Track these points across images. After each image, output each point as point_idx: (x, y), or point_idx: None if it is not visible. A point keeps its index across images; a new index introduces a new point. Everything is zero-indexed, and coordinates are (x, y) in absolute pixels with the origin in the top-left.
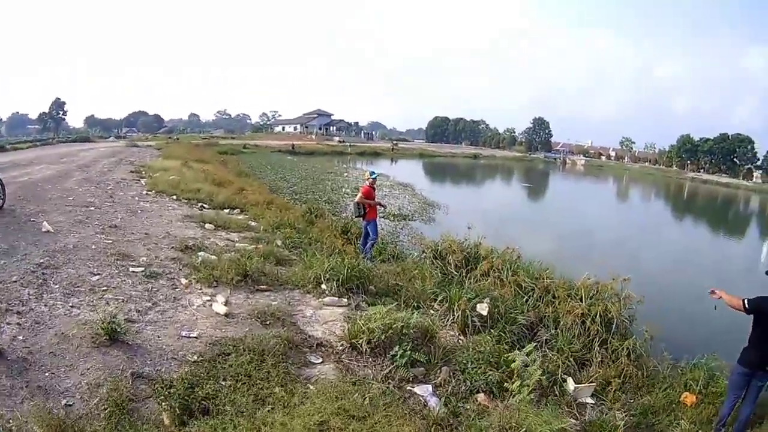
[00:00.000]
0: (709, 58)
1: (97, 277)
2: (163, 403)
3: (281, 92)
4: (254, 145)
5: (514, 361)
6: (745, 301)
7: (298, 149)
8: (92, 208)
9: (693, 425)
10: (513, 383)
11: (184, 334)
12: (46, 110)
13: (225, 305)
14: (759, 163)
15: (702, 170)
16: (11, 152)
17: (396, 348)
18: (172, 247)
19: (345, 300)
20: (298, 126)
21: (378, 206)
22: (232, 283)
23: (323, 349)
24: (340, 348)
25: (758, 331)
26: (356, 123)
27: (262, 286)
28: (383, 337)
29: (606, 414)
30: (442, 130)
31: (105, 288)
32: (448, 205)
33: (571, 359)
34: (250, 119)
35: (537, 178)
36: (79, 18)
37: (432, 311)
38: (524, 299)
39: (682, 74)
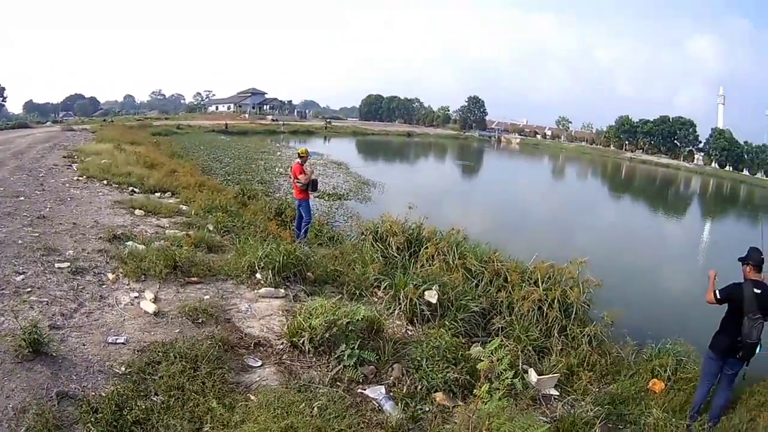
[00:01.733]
0: (651, 44)
1: (22, 276)
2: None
3: (216, 71)
4: (188, 126)
5: (478, 360)
6: (716, 292)
7: (231, 129)
8: (21, 198)
9: (665, 414)
10: (481, 388)
11: (110, 340)
12: None
13: (154, 302)
14: (701, 146)
15: (640, 150)
16: None
17: (342, 346)
18: (100, 238)
19: (282, 291)
20: (232, 105)
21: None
22: (161, 276)
23: (262, 349)
24: (280, 347)
25: (729, 318)
26: (290, 102)
27: (192, 278)
28: (327, 334)
29: (575, 407)
30: (375, 108)
31: (29, 289)
32: (384, 184)
33: (530, 348)
34: (184, 99)
35: (472, 155)
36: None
37: (375, 299)
38: (474, 284)
39: (623, 58)
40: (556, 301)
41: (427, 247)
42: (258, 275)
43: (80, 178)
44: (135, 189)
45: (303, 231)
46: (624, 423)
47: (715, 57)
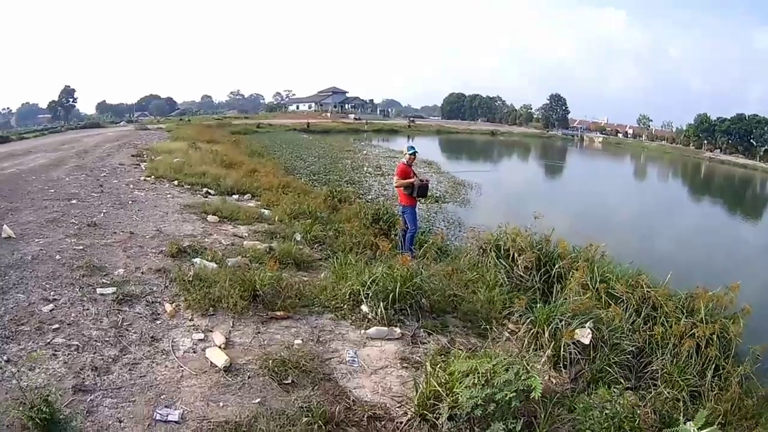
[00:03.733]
0: (720, 37)
1: (51, 305)
2: None
3: (295, 71)
4: (268, 125)
5: None
6: None
7: (313, 127)
8: (74, 201)
9: None
10: None
11: (159, 416)
12: (56, 98)
13: (224, 348)
14: None
15: (719, 150)
16: (16, 142)
17: (498, 425)
18: (161, 252)
19: (397, 330)
20: (313, 104)
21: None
22: (236, 309)
23: (379, 424)
24: (405, 420)
25: None
26: (371, 100)
27: (278, 312)
28: (479, 412)
29: None
30: (457, 106)
31: (57, 325)
32: (480, 185)
33: (685, 394)
34: (263, 99)
35: (557, 154)
36: (87, 4)
37: (507, 334)
38: (626, 316)
39: (694, 53)
40: (716, 336)
41: (564, 268)
42: (364, 307)
43: (148, 179)
44: (210, 191)
45: (408, 242)
46: None
47: None
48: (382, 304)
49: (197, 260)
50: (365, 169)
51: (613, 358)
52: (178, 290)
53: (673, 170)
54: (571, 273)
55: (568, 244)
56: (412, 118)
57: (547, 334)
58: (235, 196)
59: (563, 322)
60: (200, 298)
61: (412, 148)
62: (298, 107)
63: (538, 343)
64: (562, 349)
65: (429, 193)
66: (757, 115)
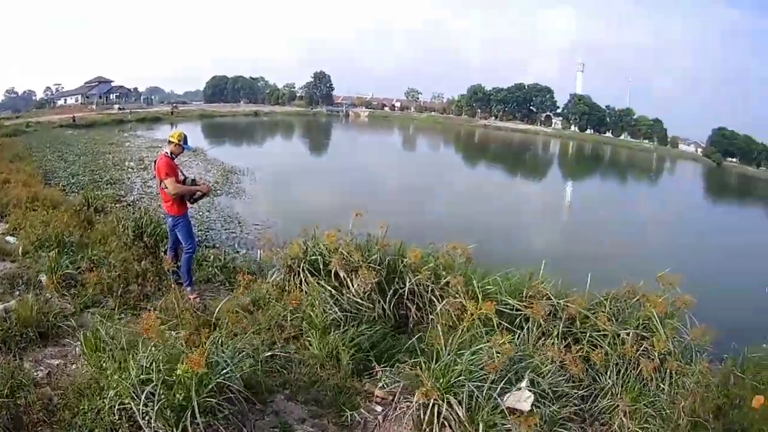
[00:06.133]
0: (503, 15)
1: None
2: None
3: (64, 61)
4: (37, 123)
5: None
6: None
7: (79, 122)
8: None
9: None
10: None
11: None
12: None
13: None
14: (559, 111)
15: (494, 118)
16: None
17: None
18: None
19: None
20: (79, 97)
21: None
22: None
23: None
24: None
25: None
26: (135, 89)
27: None
28: None
29: None
30: (220, 89)
31: None
32: (252, 170)
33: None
34: (35, 95)
35: (322, 132)
36: None
37: (377, 409)
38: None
39: (475, 30)
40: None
41: (422, 285)
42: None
43: None
44: None
45: (186, 269)
46: None
47: (575, 27)
48: (170, 414)
49: None
50: (127, 163)
51: (558, 412)
52: None
53: (445, 139)
54: (432, 290)
55: (420, 252)
56: (175, 105)
57: (460, 410)
58: None
59: (481, 386)
60: None
61: (185, 138)
62: (65, 101)
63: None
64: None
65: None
66: (537, 84)
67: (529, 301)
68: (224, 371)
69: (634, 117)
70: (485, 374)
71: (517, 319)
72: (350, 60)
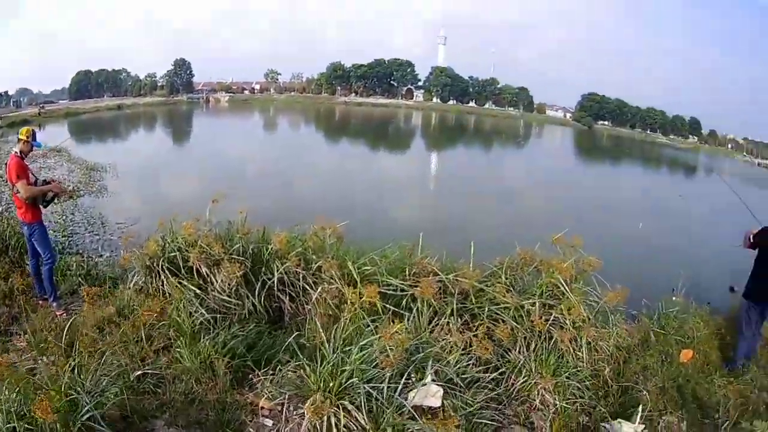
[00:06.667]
0: None
1: None
2: None
3: None
4: None
5: None
6: (751, 237)
7: None
8: None
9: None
10: None
11: None
12: None
13: None
14: (420, 84)
15: (355, 94)
16: None
17: None
18: None
19: None
20: None
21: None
22: None
23: None
24: None
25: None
26: (6, 92)
27: None
28: None
29: None
30: (85, 85)
31: None
32: (115, 166)
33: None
34: None
35: (183, 120)
36: None
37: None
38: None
39: (334, 5)
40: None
41: (292, 273)
42: None
43: None
44: None
45: (48, 280)
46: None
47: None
48: None
49: None
50: None
51: (473, 404)
52: None
53: (306, 118)
54: (303, 278)
55: (286, 236)
56: (41, 105)
57: (360, 416)
58: None
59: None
60: None
61: (34, 134)
62: None
63: None
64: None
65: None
66: (398, 59)
67: (415, 279)
68: (86, 408)
69: (499, 86)
70: (380, 372)
71: (404, 301)
72: (209, 45)
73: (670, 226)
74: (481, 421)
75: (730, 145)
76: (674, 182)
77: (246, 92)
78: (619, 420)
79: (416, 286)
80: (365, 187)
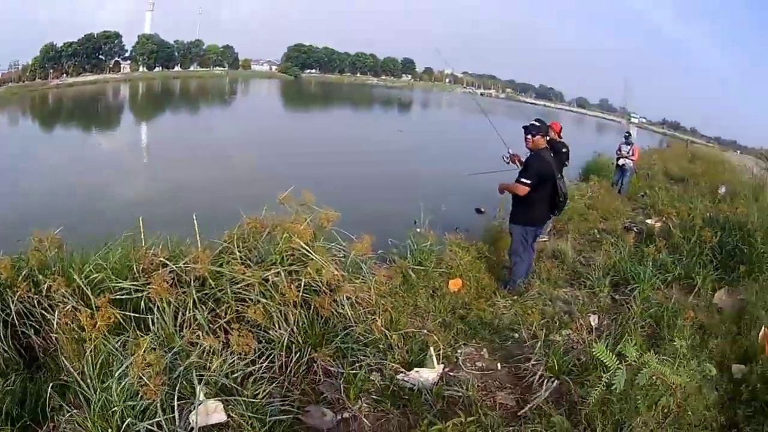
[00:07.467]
0: None
1: None
2: None
3: None
4: None
5: None
6: (527, 183)
7: None
8: None
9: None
10: None
11: None
12: None
13: None
14: (127, 55)
15: (66, 75)
16: None
17: None
18: None
19: None
20: None
21: None
22: None
23: None
24: None
25: (541, 193)
26: None
27: None
28: None
29: None
30: None
31: None
32: None
33: None
34: None
35: None
36: None
37: None
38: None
39: None
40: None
41: (49, 293)
42: None
43: None
44: None
45: None
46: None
47: None
48: None
49: None
50: None
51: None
52: None
53: (22, 110)
54: (39, 303)
55: (7, 261)
56: None
57: None
58: None
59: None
60: None
61: None
62: None
63: None
64: None
65: None
66: (107, 31)
67: (147, 276)
68: None
69: (204, 47)
70: (149, 402)
71: (142, 303)
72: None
73: (394, 161)
74: (274, 416)
75: (447, 80)
76: (391, 119)
77: None
78: (416, 369)
79: (149, 283)
80: (74, 179)
